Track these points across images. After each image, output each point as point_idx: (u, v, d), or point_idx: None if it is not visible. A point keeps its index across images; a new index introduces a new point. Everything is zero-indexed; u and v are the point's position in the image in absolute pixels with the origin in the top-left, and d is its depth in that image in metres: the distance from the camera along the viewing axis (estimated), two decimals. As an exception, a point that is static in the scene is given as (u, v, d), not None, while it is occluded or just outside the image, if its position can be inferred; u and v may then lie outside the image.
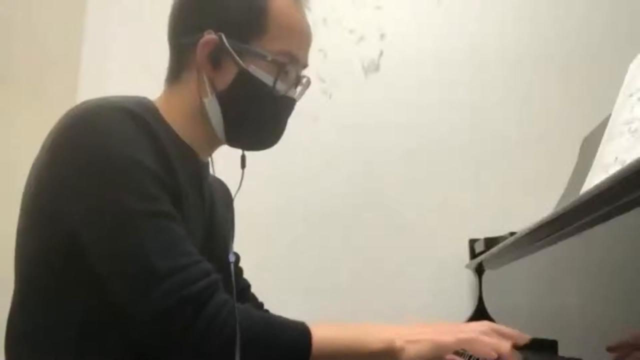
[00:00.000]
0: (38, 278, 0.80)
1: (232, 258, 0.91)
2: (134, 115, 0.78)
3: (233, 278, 0.85)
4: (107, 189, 0.74)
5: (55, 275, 0.78)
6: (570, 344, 0.80)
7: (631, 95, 0.90)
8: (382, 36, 1.95)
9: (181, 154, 0.86)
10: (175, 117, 0.88)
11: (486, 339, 0.78)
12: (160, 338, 0.73)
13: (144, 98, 0.87)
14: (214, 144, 0.95)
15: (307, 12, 0.94)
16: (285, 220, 1.86)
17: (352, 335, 0.79)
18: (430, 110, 1.89)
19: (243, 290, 1.13)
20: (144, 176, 0.75)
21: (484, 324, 0.82)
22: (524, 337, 0.83)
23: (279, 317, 0.79)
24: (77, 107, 0.80)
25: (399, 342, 0.77)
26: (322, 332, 0.77)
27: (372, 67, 1.94)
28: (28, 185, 0.82)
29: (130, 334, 0.75)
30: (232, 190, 1.06)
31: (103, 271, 0.75)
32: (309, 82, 0.97)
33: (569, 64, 1.87)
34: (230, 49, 0.85)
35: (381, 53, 1.94)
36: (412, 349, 0.78)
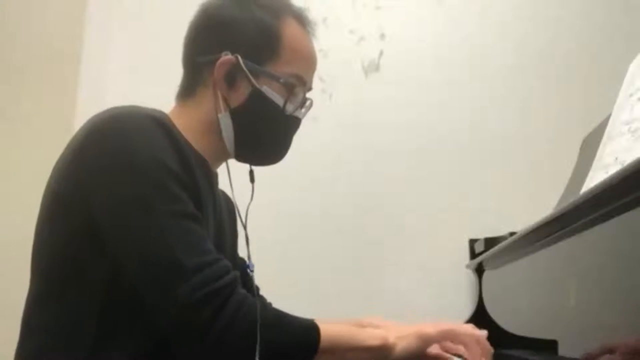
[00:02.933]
0: (55, 273, 0.82)
1: (251, 266, 0.99)
2: (158, 122, 0.82)
3: (254, 279, 0.97)
4: (134, 188, 0.78)
5: (73, 270, 0.80)
6: (570, 344, 0.80)
7: (631, 95, 0.90)
8: (382, 36, 1.95)
9: (198, 164, 0.89)
10: (188, 131, 0.91)
11: (464, 328, 0.92)
12: (186, 331, 0.76)
13: (160, 111, 0.91)
14: (222, 158, 1.00)
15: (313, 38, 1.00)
16: (285, 220, 1.86)
17: (352, 332, 0.88)
18: (430, 110, 1.89)
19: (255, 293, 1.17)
20: (169, 178, 0.79)
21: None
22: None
23: (287, 314, 0.85)
24: (103, 112, 0.84)
25: (391, 339, 0.87)
26: (328, 327, 0.83)
27: (372, 67, 1.94)
28: (49, 184, 0.86)
29: (149, 327, 0.79)
30: (238, 199, 1.07)
31: (129, 267, 0.78)
32: (311, 105, 1.03)
33: (569, 64, 1.87)
34: (246, 70, 0.91)
35: (381, 53, 1.94)
36: (400, 344, 0.88)
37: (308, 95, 1.02)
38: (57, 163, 0.86)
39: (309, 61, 0.99)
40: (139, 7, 1.97)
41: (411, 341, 0.89)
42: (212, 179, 0.98)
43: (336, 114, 1.89)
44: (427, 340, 0.91)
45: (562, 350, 0.82)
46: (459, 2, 1.95)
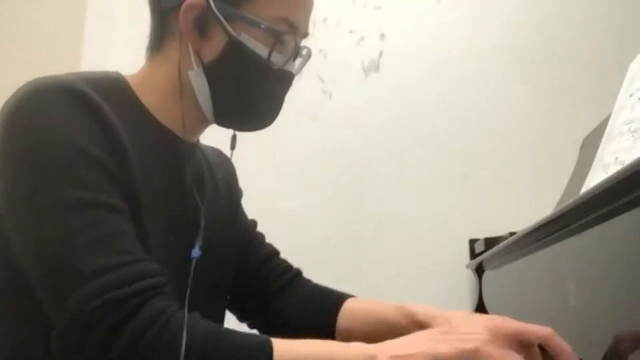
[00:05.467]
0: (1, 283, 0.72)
1: (195, 253, 0.79)
2: (81, 96, 0.69)
3: (190, 277, 0.74)
4: (36, 177, 0.65)
5: (14, 284, 0.70)
6: (570, 344, 0.80)
7: (631, 95, 0.90)
8: (382, 36, 1.95)
9: (151, 136, 0.78)
10: (153, 95, 0.80)
11: (493, 352, 0.63)
12: (81, 352, 0.62)
13: (114, 73, 0.79)
14: (200, 124, 0.86)
15: None
16: (284, 220, 1.86)
17: (324, 352, 0.65)
18: (430, 110, 1.90)
19: (269, 257, 1.03)
20: (82, 163, 0.66)
21: (493, 328, 0.67)
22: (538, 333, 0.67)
23: (235, 332, 0.66)
24: (19, 89, 0.71)
25: (382, 358, 0.63)
26: (289, 351, 0.64)
27: (372, 67, 1.94)
28: None
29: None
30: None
31: (28, 272, 0.66)
32: (309, 54, 0.86)
33: (569, 64, 1.87)
34: (219, 14, 0.75)
35: (381, 53, 1.94)
36: None
37: (305, 42, 0.85)
38: None
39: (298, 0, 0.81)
40: (139, 6, 1.97)
41: None
42: (179, 152, 0.83)
43: (336, 114, 1.89)
44: None
45: (562, 350, 0.82)
46: (458, 2, 1.95)
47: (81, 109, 0.68)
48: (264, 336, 0.66)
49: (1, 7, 2.00)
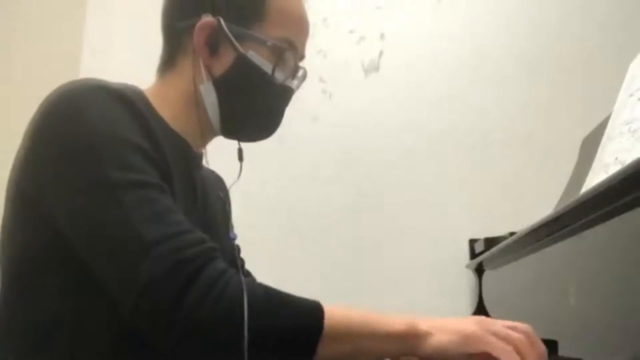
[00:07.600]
0: (24, 274, 0.76)
1: (233, 235, 0.90)
2: (119, 96, 0.75)
3: (237, 254, 0.86)
4: (85, 166, 0.70)
5: (41, 274, 0.74)
6: (570, 344, 0.80)
7: (631, 95, 0.90)
8: (382, 36, 1.95)
9: (171, 143, 0.82)
10: (167, 107, 0.85)
11: (522, 339, 0.67)
12: (153, 312, 0.65)
13: (133, 86, 0.84)
14: (207, 135, 0.92)
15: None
16: (284, 220, 1.86)
17: (368, 316, 0.70)
18: (430, 110, 1.90)
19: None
20: (128, 149, 0.71)
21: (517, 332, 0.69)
22: None
23: (289, 294, 0.72)
24: (57, 88, 0.76)
25: (423, 326, 0.69)
26: (336, 310, 0.70)
27: (372, 67, 1.94)
28: (10, 175, 0.78)
29: (127, 330, 0.70)
30: (229, 183, 1.05)
31: (87, 255, 0.70)
32: (305, 75, 0.94)
33: (569, 64, 1.88)
34: (229, 33, 0.83)
35: (381, 53, 1.94)
36: (437, 337, 0.68)
37: (307, 79, 0.94)
38: (17, 154, 0.78)
39: (299, 23, 0.90)
40: (139, 5, 1.97)
41: (452, 338, 0.68)
42: (191, 161, 0.90)
43: (336, 114, 1.89)
44: (473, 344, 0.67)
45: (562, 350, 0.82)
46: (458, 2, 1.95)
47: (119, 104, 0.74)
48: (313, 299, 0.71)
49: (1, 8, 1.99)
